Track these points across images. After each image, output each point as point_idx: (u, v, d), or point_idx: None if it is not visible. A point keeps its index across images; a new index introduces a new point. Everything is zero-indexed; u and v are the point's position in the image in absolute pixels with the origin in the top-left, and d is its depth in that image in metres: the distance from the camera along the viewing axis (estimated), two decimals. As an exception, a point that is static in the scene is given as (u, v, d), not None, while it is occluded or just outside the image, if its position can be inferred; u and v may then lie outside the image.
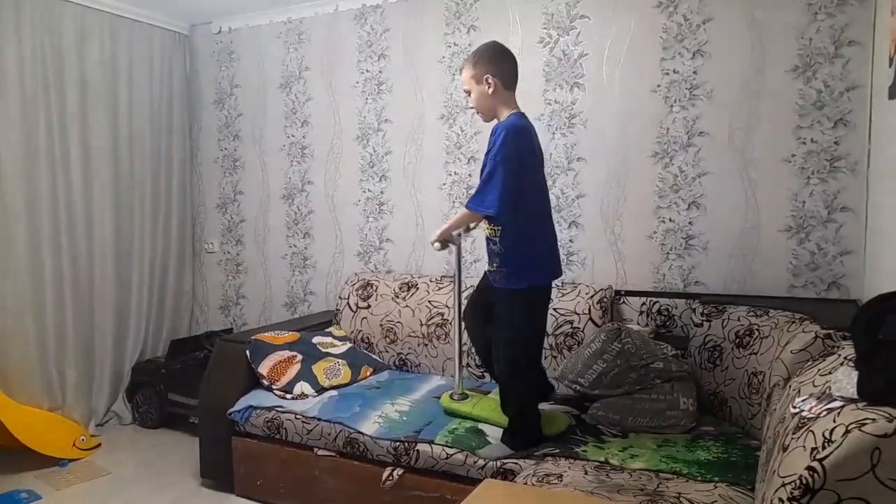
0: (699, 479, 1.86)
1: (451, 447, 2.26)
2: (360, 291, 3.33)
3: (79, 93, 3.47)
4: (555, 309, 2.81)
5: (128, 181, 3.77)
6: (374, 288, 3.28)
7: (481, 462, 2.19)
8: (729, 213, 2.76)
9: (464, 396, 2.55)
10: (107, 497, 2.80)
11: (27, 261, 3.23)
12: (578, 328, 2.76)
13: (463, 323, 2.58)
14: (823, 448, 1.16)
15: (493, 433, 2.31)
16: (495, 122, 2.25)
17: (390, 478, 2.34)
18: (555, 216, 3.05)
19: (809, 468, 1.16)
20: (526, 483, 1.88)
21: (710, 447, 2.09)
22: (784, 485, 1.20)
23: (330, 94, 3.69)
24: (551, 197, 3.02)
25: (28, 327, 3.23)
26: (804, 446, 1.22)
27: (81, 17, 3.46)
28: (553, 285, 2.35)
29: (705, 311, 2.53)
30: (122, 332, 3.77)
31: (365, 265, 3.64)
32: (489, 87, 2.19)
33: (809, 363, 1.80)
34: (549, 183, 3.06)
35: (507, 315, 2.20)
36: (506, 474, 2.12)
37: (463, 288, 2.62)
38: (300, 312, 3.86)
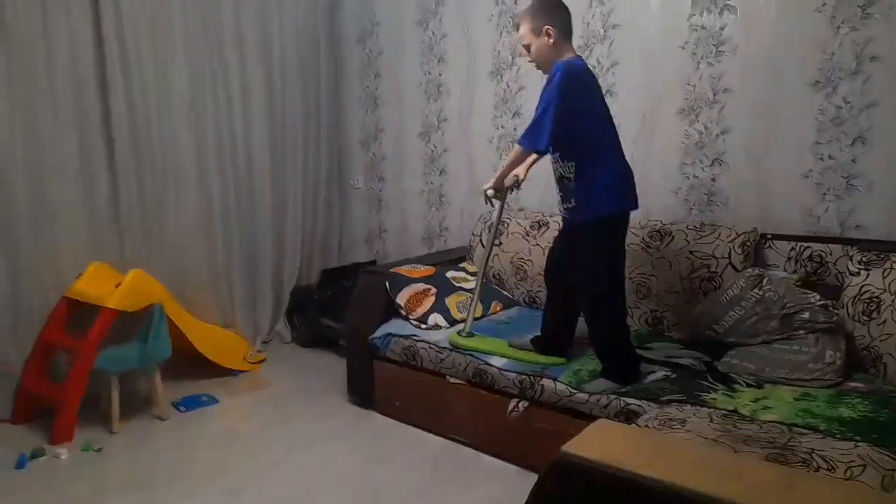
0: (838, 436, 1.77)
1: (574, 387, 2.31)
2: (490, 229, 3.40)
3: (235, 35, 3.76)
4: (691, 251, 2.71)
5: (280, 119, 4.06)
6: (506, 225, 3.33)
7: (604, 400, 2.23)
8: (902, 149, 2.45)
9: (470, 335, 2.70)
10: (270, 405, 3.20)
11: (197, 193, 3.65)
12: (716, 272, 2.64)
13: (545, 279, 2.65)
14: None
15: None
16: None
17: (516, 409, 2.46)
18: (696, 153, 2.92)
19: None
20: (648, 426, 1.90)
21: (856, 405, 1.96)
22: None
23: (465, 31, 3.67)
24: (693, 132, 2.91)
25: (201, 254, 3.68)
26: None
27: None
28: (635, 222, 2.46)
29: (864, 259, 2.32)
30: (280, 259, 4.17)
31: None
32: (549, 38, 2.23)
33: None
34: (692, 117, 2.93)
35: (582, 248, 2.29)
36: (628, 415, 2.15)
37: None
38: (436, 247, 4.02)
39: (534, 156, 2.48)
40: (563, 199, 2.37)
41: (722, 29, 2.80)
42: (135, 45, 3.30)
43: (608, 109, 2.34)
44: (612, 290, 2.33)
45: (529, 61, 2.37)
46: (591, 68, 2.31)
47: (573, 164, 2.26)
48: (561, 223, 2.58)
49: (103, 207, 3.29)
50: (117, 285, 2.97)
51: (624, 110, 3.12)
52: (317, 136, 4.31)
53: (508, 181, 2.58)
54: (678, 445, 1.40)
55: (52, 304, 3.05)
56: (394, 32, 4.03)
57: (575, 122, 2.19)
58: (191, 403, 3.16)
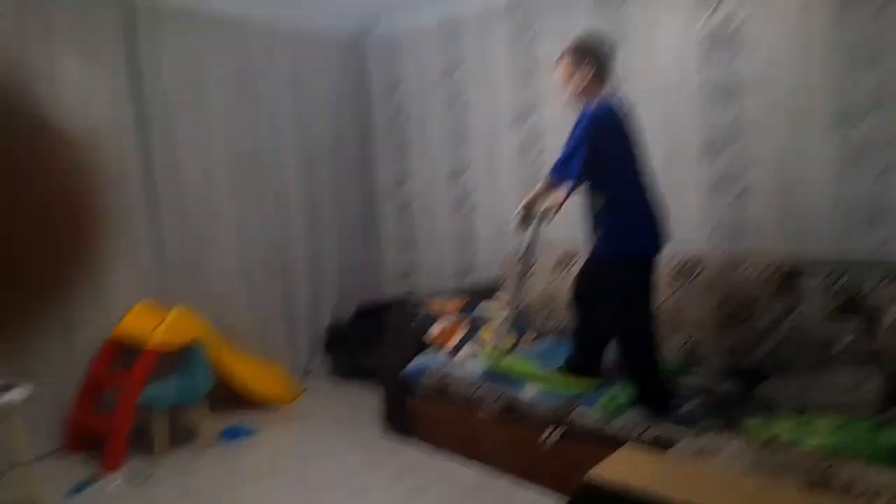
0: (881, 464, 1.73)
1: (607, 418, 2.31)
2: (524, 262, 3.43)
3: (269, 98, 3.96)
4: (724, 281, 2.69)
5: (315, 171, 4.24)
6: (536, 258, 3.36)
7: (638, 430, 2.22)
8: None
9: (504, 356, 2.71)
10: (308, 437, 3.25)
11: (237, 239, 3.82)
12: (750, 302, 2.61)
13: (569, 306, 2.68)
14: None
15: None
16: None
17: (549, 438, 2.45)
18: (726, 183, 2.92)
19: None
20: (681, 454, 1.88)
21: (898, 434, 1.91)
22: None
23: (486, 82, 3.81)
24: (720, 164, 2.91)
25: (242, 292, 3.83)
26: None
27: (270, 33, 3.93)
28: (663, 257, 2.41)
29: (901, 285, 2.28)
30: (317, 296, 4.29)
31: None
32: (587, 73, 2.32)
33: None
34: (713, 153, 2.93)
35: (611, 283, 2.32)
36: (664, 443, 2.13)
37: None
38: (468, 281, 4.07)
39: (567, 186, 2.47)
40: (595, 229, 2.41)
41: (738, 70, 2.83)
42: (175, 112, 3.49)
43: (641, 150, 2.35)
44: (640, 324, 2.32)
45: (566, 93, 2.40)
46: (624, 106, 2.33)
47: (603, 198, 2.31)
48: (584, 265, 2.62)
49: (148, 253, 3.44)
50: (161, 323, 3.09)
51: (648, 147, 3.16)
52: (350, 184, 4.48)
53: (545, 206, 2.53)
54: (705, 471, 1.39)
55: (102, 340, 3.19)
56: (418, 87, 4.18)
57: (606, 159, 2.23)
58: (233, 434, 3.23)
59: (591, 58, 2.32)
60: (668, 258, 2.87)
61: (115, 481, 2.77)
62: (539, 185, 2.47)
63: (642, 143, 2.36)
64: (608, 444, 2.27)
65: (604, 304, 2.39)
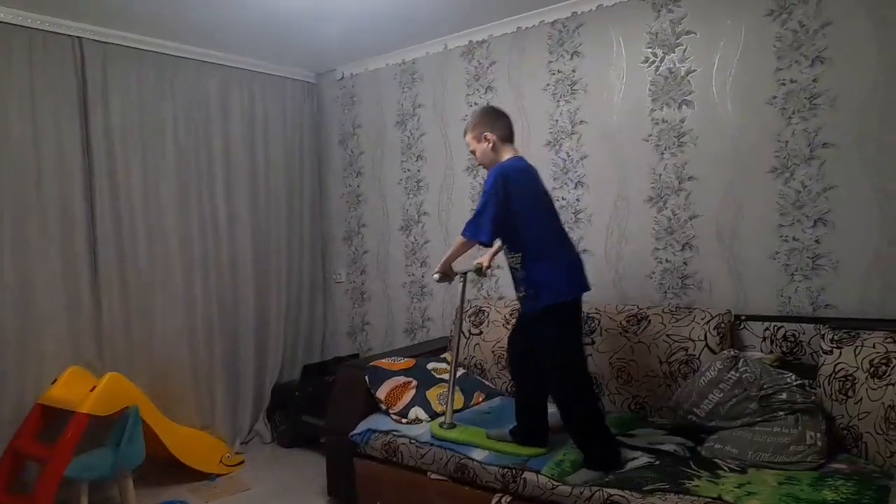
0: (823, 521, 1.72)
1: (556, 480, 2.26)
2: (472, 318, 3.41)
3: (222, 142, 3.90)
4: (668, 335, 2.72)
5: (265, 219, 4.15)
6: (486, 315, 3.35)
7: (587, 492, 2.17)
8: (862, 228, 2.53)
9: (452, 426, 2.67)
10: (247, 510, 3.08)
11: (182, 296, 3.66)
12: (694, 355, 2.64)
13: (508, 354, 2.71)
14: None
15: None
16: None
17: (498, 504, 2.38)
18: (667, 238, 3.00)
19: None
20: (629, 517, 1.84)
21: (840, 487, 1.92)
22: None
23: (441, 128, 3.85)
24: (662, 218, 3.00)
25: (184, 355, 3.65)
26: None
27: (226, 75, 3.91)
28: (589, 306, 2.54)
29: (835, 337, 2.34)
30: (262, 357, 4.13)
31: (478, 292, 3.72)
32: (489, 143, 2.45)
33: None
34: (660, 204, 3.04)
35: (545, 337, 2.34)
36: (612, 507, 2.09)
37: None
38: (419, 338, 4.02)
39: (495, 245, 2.58)
40: (516, 288, 2.48)
41: (682, 122, 2.96)
42: (123, 155, 3.41)
43: (552, 203, 2.48)
44: (578, 374, 2.35)
45: (477, 164, 2.60)
46: (529, 166, 2.45)
47: (519, 255, 2.38)
48: (516, 322, 2.67)
49: (87, 314, 3.28)
50: (92, 389, 2.92)
51: (595, 199, 3.25)
52: (300, 234, 4.39)
53: (470, 267, 2.75)
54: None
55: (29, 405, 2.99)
56: (375, 133, 4.20)
57: (515, 216, 2.32)
58: (165, 510, 3.03)
59: (490, 130, 2.46)
60: (615, 310, 2.93)
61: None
62: (453, 246, 2.52)
63: (549, 195, 2.48)
64: (557, 508, 2.23)
65: (537, 358, 2.40)
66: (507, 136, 2.50)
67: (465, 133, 2.55)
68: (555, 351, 2.34)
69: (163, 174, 3.60)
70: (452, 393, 2.75)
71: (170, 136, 3.63)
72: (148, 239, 3.52)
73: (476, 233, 2.35)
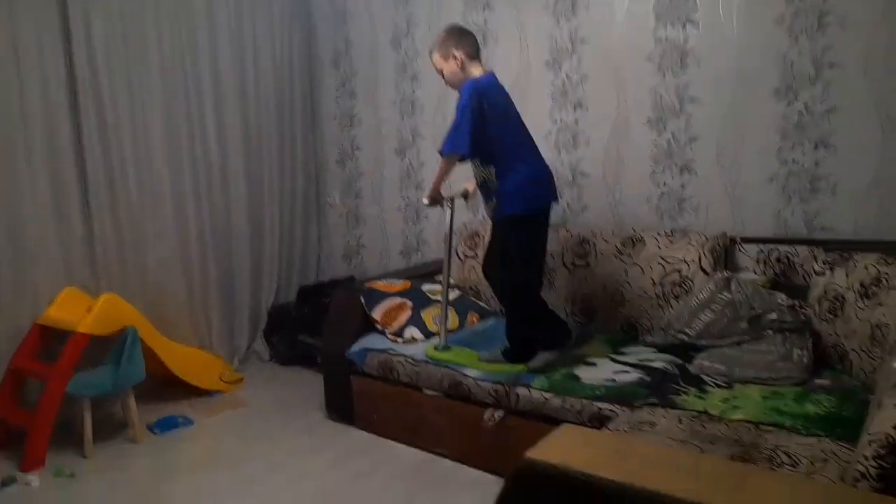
0: (803, 432, 1.79)
1: (548, 391, 2.32)
2: (468, 241, 3.42)
3: (210, 60, 3.77)
4: (662, 257, 2.74)
5: (256, 141, 4.06)
6: (482, 238, 3.35)
7: (579, 406, 2.24)
8: (862, 151, 2.51)
9: (446, 348, 2.73)
10: (247, 425, 3.16)
11: (173, 217, 3.62)
12: (687, 277, 2.67)
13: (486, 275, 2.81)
14: (917, 405, 1.09)
15: (587, 376, 2.37)
16: None
17: (492, 418, 2.46)
18: (666, 161, 2.97)
19: (900, 426, 1.11)
20: (618, 430, 1.91)
21: (822, 401, 1.98)
22: (871, 442, 1.16)
23: (437, 47, 3.72)
24: (662, 141, 2.96)
25: (178, 276, 3.64)
26: (898, 403, 1.16)
27: None
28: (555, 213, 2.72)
29: (828, 259, 2.36)
30: (257, 278, 4.14)
31: (474, 216, 3.71)
32: (457, 62, 2.47)
33: (938, 316, 1.65)
34: (661, 127, 2.99)
35: (504, 241, 2.47)
36: (601, 420, 2.16)
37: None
38: (414, 261, 4.03)
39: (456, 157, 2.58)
40: (486, 200, 2.55)
41: (685, 41, 2.87)
42: (108, 76, 3.27)
43: (520, 117, 2.51)
44: (531, 278, 2.49)
45: (446, 84, 2.58)
46: (499, 82, 2.50)
47: (493, 168, 2.44)
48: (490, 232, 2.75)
49: (78, 239, 3.25)
50: (89, 309, 2.94)
51: (594, 122, 3.19)
52: (293, 157, 4.31)
53: (457, 193, 2.81)
54: (639, 447, 1.41)
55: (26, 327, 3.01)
56: (368, 53, 4.06)
57: (488, 130, 2.37)
58: (166, 426, 3.12)
59: (456, 48, 2.46)
60: (611, 233, 2.94)
61: (35, 480, 2.62)
62: (439, 167, 2.55)
63: (517, 111, 2.50)
64: (549, 422, 2.29)
65: (500, 265, 2.55)
66: (475, 54, 2.51)
67: (431, 53, 2.54)
68: (515, 257, 2.44)
69: (148, 95, 3.47)
70: (446, 317, 2.79)
71: (155, 58, 3.49)
72: (136, 163, 3.44)
73: (455, 146, 2.40)
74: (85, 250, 3.28)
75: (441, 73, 2.54)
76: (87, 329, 2.85)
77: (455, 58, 2.47)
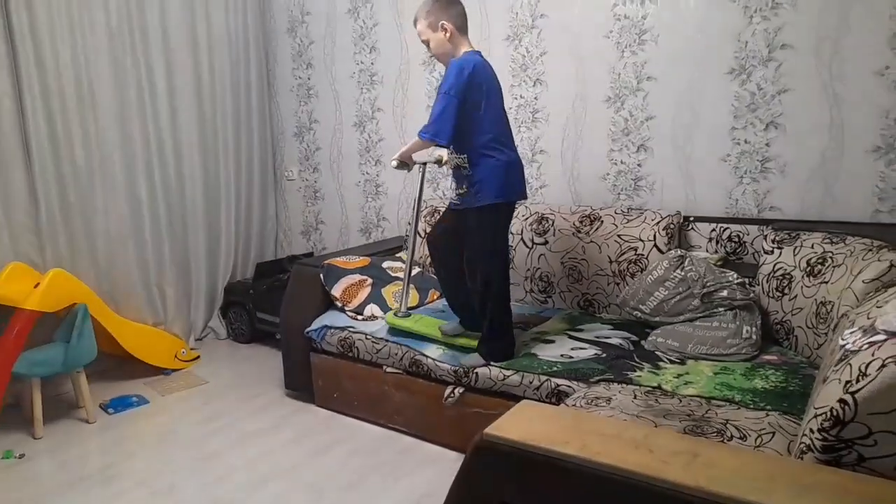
0: (751, 406, 1.86)
1: (506, 368, 2.36)
2: (427, 218, 3.41)
3: (161, 29, 3.62)
4: (618, 235, 2.79)
5: (210, 112, 3.95)
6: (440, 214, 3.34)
7: (537, 382, 2.28)
8: (811, 133, 2.58)
9: (406, 315, 2.73)
10: (205, 403, 3.13)
11: (125, 189, 3.50)
12: (643, 255, 2.72)
13: (431, 256, 2.73)
14: (857, 381, 1.15)
15: (544, 353, 2.40)
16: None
17: (451, 395, 2.48)
18: (623, 140, 3.00)
19: (841, 401, 1.16)
20: (575, 405, 1.95)
21: (769, 376, 2.06)
22: (816, 416, 1.21)
23: (396, 18, 3.66)
24: (619, 119, 2.98)
25: (130, 252, 3.54)
26: (839, 379, 1.21)
27: None
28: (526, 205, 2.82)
29: (777, 238, 2.44)
30: (214, 255, 4.07)
31: (433, 192, 3.70)
32: (445, 33, 2.34)
33: (878, 293, 1.73)
34: (618, 105, 3.00)
35: (480, 231, 2.37)
36: (559, 395, 2.20)
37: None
38: (374, 238, 4.01)
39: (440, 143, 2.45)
40: (457, 185, 2.47)
41: (644, 18, 2.88)
42: (49, 37, 3.13)
43: (503, 102, 2.41)
44: (502, 271, 2.45)
45: (430, 56, 2.44)
46: (486, 62, 2.37)
47: (466, 155, 2.37)
48: (450, 207, 2.60)
49: (23, 211, 3.12)
50: (36, 285, 2.84)
51: (553, 98, 3.19)
52: (249, 129, 4.21)
53: (431, 158, 2.69)
54: (596, 422, 1.44)
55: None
56: (325, 22, 3.97)
57: (469, 115, 2.28)
58: (120, 405, 3.05)
59: (446, 18, 2.34)
60: (569, 211, 2.97)
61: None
62: (409, 143, 2.48)
63: (502, 94, 2.41)
64: (508, 398, 2.34)
65: (471, 257, 2.41)
66: (464, 26, 2.40)
67: (416, 21, 2.40)
68: (486, 248, 2.38)
69: (95, 60, 3.33)
70: (408, 283, 2.78)
71: (102, 22, 3.33)
72: (83, 133, 3.30)
73: (435, 135, 2.29)
74: (29, 223, 3.15)
75: (427, 43, 2.40)
76: (34, 305, 2.76)
77: (444, 29, 2.33)
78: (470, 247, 2.42)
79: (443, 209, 3.33)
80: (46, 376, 2.83)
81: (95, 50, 3.33)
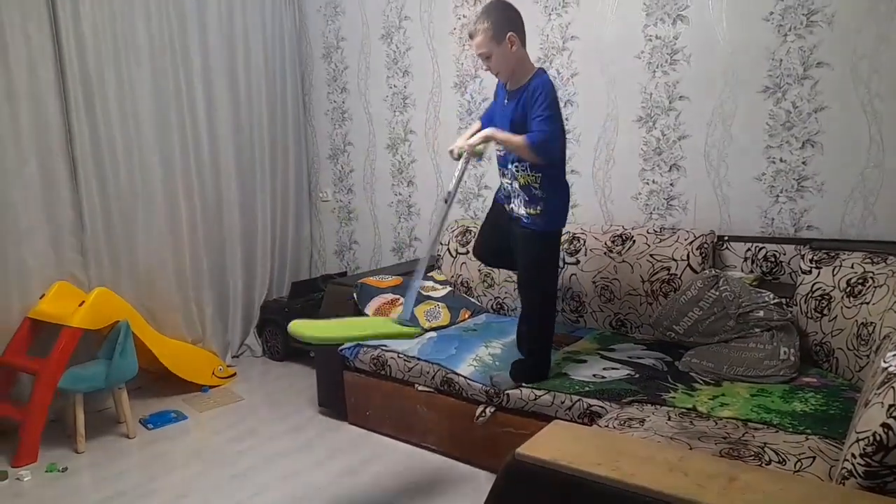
0: (790, 430, 1.82)
1: (538, 388, 2.35)
2: (459, 238, 3.44)
3: (201, 55, 3.75)
4: (651, 255, 2.77)
5: (248, 135, 4.06)
6: (473, 234, 3.36)
7: (569, 402, 2.26)
8: (849, 151, 2.54)
9: (404, 322, 2.53)
10: (240, 419, 3.17)
11: (165, 210, 3.61)
12: (676, 275, 2.70)
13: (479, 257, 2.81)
14: (900, 406, 1.12)
15: (576, 373, 2.38)
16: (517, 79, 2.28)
17: (483, 414, 2.48)
18: (655, 159, 3.00)
19: (885, 425, 1.14)
20: (608, 426, 1.94)
21: (809, 399, 2.02)
22: (858, 440, 1.18)
23: (428, 42, 3.72)
24: (651, 138, 2.99)
25: (169, 271, 3.64)
26: (882, 402, 1.19)
27: None
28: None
29: (815, 258, 2.39)
30: (250, 274, 4.15)
31: (465, 212, 3.72)
32: (512, 46, 2.19)
33: (921, 315, 1.69)
34: (650, 124, 3.01)
35: (544, 255, 2.38)
36: (591, 416, 2.18)
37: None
38: (406, 257, 4.05)
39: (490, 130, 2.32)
40: (527, 205, 2.33)
41: (675, 38, 2.88)
42: (97, 65, 3.26)
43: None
44: (551, 296, 2.46)
45: (487, 69, 2.33)
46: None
47: (539, 175, 2.26)
48: (510, 216, 2.47)
49: (69, 230, 3.23)
50: (81, 304, 2.94)
51: (584, 119, 3.20)
52: (285, 152, 4.31)
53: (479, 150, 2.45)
54: (629, 444, 1.43)
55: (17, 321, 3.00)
56: (359, 47, 4.06)
57: None
58: (159, 420, 3.12)
59: (515, 30, 2.19)
60: (601, 230, 2.97)
61: (27, 475, 2.63)
62: (518, 140, 2.20)
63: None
64: (540, 419, 2.33)
65: (529, 275, 2.42)
66: (524, 39, 2.26)
67: (476, 34, 2.19)
68: (541, 271, 2.40)
69: (138, 87, 3.46)
70: (419, 276, 2.55)
71: (145, 48, 3.47)
72: (127, 156, 3.42)
73: (548, 152, 2.17)
74: (75, 243, 3.26)
75: (487, 57, 2.21)
76: (79, 323, 2.85)
77: (511, 42, 2.16)
78: (532, 268, 2.40)
79: (473, 229, 3.36)
80: (89, 392, 2.91)
81: (139, 75, 3.46)
